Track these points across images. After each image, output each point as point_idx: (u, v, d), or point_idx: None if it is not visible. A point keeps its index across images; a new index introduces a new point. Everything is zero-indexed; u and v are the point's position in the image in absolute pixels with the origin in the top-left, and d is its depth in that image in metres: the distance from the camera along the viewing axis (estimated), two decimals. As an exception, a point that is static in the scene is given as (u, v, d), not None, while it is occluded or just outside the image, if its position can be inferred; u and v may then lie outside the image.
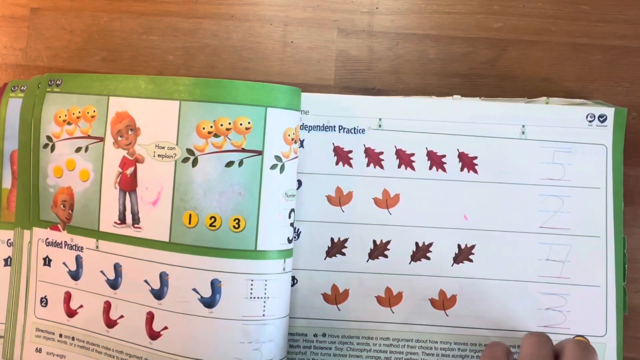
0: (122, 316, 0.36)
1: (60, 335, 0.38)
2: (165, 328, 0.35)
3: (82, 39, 0.41)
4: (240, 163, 0.34)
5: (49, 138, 0.38)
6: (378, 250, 0.37)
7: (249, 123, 0.34)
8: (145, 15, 0.41)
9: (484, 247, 0.37)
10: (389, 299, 0.37)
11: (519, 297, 0.37)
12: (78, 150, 0.37)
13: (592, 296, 0.37)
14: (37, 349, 0.38)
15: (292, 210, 0.36)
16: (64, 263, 0.38)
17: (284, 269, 0.35)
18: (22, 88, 0.39)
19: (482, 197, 0.37)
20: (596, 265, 0.37)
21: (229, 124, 0.34)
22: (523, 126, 0.37)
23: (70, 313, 0.38)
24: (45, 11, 0.41)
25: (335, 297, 0.37)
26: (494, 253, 0.37)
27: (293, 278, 0.37)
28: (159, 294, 0.35)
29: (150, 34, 0.41)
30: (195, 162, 0.34)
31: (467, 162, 0.37)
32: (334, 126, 0.38)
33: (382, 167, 0.38)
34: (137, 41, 0.41)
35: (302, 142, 0.37)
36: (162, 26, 0.41)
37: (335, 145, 0.38)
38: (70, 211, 0.38)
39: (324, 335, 0.37)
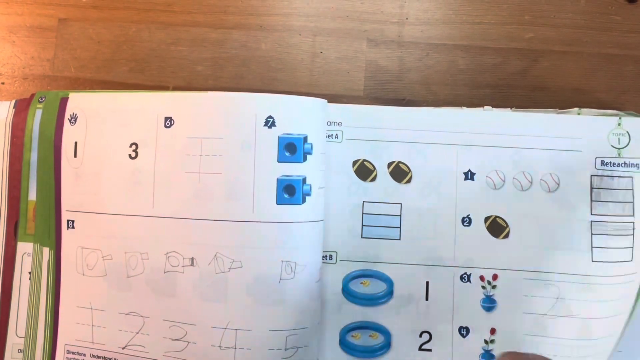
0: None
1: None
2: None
3: (110, 49, 0.40)
4: None
5: None
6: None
7: None
8: (174, 26, 0.40)
9: None
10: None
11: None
12: None
13: None
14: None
15: None
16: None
17: None
18: (49, 99, 0.38)
19: None
20: None
21: None
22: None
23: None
24: (73, 22, 0.40)
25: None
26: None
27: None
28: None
29: (178, 45, 0.40)
30: None
31: None
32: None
33: None
34: (165, 52, 0.40)
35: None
36: (190, 37, 0.40)
37: None
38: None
39: None
